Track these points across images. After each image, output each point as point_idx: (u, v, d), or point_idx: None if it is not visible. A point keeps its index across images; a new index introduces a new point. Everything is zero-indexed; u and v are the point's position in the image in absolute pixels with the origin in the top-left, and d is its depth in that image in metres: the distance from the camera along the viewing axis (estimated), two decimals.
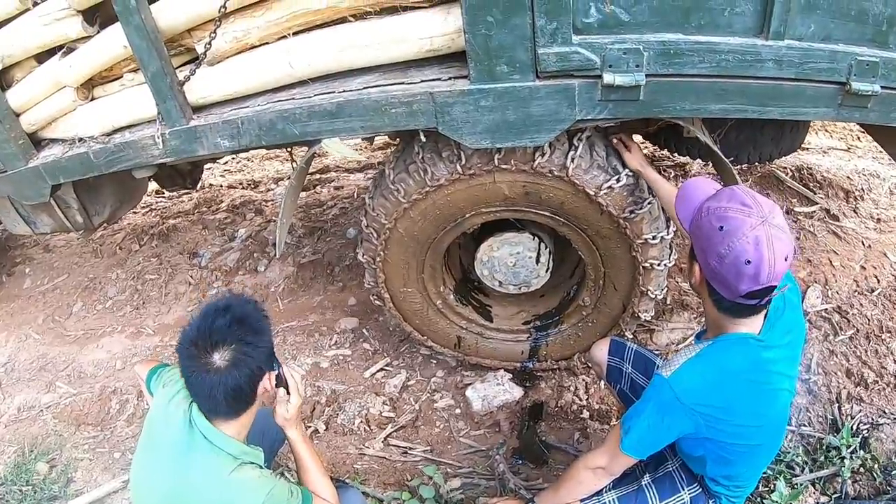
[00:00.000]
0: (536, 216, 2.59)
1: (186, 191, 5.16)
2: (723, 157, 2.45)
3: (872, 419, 2.86)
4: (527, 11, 1.89)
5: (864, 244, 3.78)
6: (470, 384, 3.22)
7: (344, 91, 2.21)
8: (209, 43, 2.24)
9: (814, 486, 2.64)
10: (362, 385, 3.34)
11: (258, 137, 2.34)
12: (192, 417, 1.81)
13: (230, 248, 4.50)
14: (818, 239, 3.82)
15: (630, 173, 2.40)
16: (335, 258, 4.22)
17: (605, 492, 2.02)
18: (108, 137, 2.63)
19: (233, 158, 5.99)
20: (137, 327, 4.02)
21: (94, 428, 3.36)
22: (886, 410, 2.90)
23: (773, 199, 4.02)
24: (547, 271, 2.85)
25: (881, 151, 4.46)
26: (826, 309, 3.38)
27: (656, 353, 2.44)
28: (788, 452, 2.74)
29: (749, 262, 1.54)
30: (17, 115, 2.75)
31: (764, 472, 2.59)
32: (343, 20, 2.18)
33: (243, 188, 5.53)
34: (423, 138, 2.33)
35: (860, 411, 2.90)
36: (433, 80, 2.13)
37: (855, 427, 2.82)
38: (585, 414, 3.03)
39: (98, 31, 2.40)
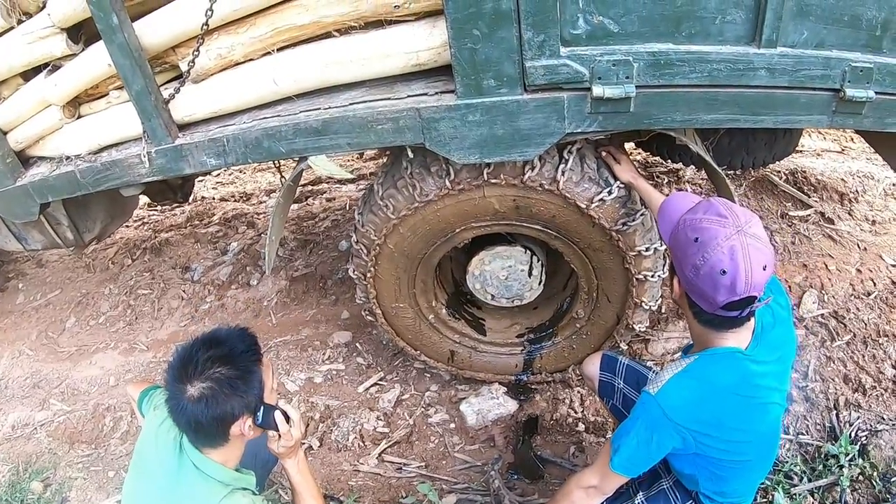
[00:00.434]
0: (528, 230, 2.56)
1: (178, 204, 5.13)
2: (715, 165, 2.43)
3: (871, 426, 2.83)
4: (513, 24, 1.86)
5: (859, 247, 3.76)
6: (464, 398, 3.19)
7: (329, 107, 2.18)
8: (193, 60, 2.22)
9: (812, 496, 2.61)
10: (356, 400, 3.31)
11: (244, 155, 2.31)
12: (181, 444, 1.78)
13: (222, 262, 4.48)
14: (813, 243, 3.81)
15: (621, 185, 2.38)
16: (328, 271, 4.19)
17: None
18: (94, 156, 2.61)
19: (224, 171, 5.96)
20: (130, 343, 3.99)
21: (87, 446, 3.34)
22: (885, 416, 2.87)
23: (767, 205, 4.04)
24: (539, 284, 2.83)
25: (875, 153, 4.45)
26: (822, 314, 3.36)
27: (650, 365, 2.41)
28: (786, 462, 2.71)
29: (724, 272, 1.53)
30: (5, 134, 2.75)
31: (762, 483, 2.56)
32: (328, 35, 2.16)
33: (235, 201, 5.51)
34: (410, 154, 2.30)
35: (858, 418, 2.87)
36: (420, 94, 2.10)
37: (853, 434, 2.79)
38: (581, 427, 3.00)
39: (83, 49, 2.39)
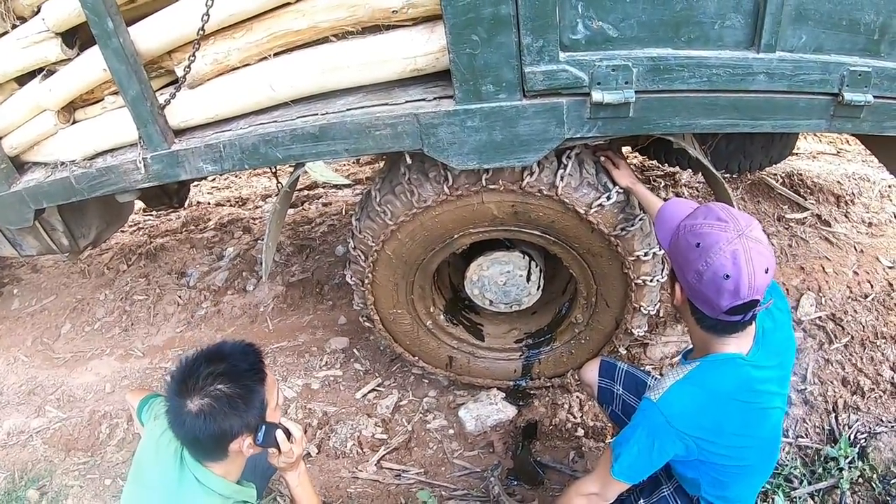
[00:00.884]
0: (526, 235, 2.55)
1: (174, 209, 5.10)
2: (713, 169, 2.42)
3: (870, 428, 2.83)
4: (512, 29, 1.85)
5: (856, 249, 3.76)
6: (462, 404, 3.18)
7: (327, 113, 2.17)
8: (189, 65, 2.20)
9: (813, 499, 2.61)
10: (354, 406, 3.29)
11: (241, 161, 2.30)
12: (182, 456, 1.76)
13: (218, 268, 4.46)
14: (810, 245, 3.81)
15: (620, 190, 2.37)
16: (324, 276, 4.18)
17: None
18: (89, 162, 2.60)
19: (220, 176, 5.93)
20: (126, 349, 3.96)
21: (84, 454, 3.31)
22: (884, 419, 2.87)
23: (764, 208, 4.04)
24: (538, 289, 2.82)
25: (870, 155, 4.45)
26: (820, 317, 3.36)
27: (649, 370, 2.40)
28: (786, 465, 2.71)
29: (728, 276, 1.53)
30: None
31: (762, 487, 2.55)
32: (325, 40, 2.14)
33: (231, 206, 5.49)
34: (408, 160, 2.29)
35: (857, 420, 2.87)
36: (418, 100, 2.09)
37: (852, 437, 2.79)
38: (580, 432, 2.99)
39: (77, 54, 2.37)
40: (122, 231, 5.10)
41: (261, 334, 3.83)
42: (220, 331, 3.95)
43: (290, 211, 4.95)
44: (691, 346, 1.95)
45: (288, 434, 1.84)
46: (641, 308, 2.67)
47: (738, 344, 1.69)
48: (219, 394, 1.65)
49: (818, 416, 2.93)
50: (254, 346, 1.81)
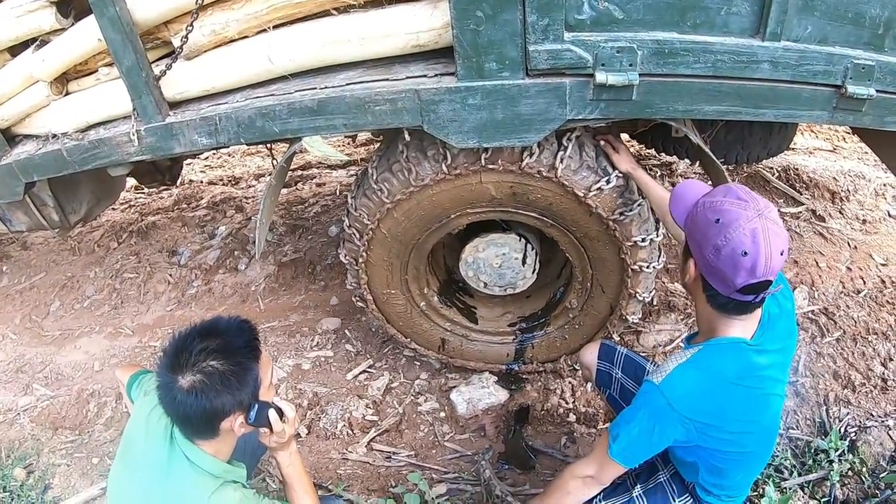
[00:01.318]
0: (524, 217, 2.53)
1: (166, 187, 5.06)
2: (714, 158, 2.41)
3: (860, 422, 2.85)
4: (518, 7, 1.83)
5: (849, 245, 3.78)
6: (454, 387, 3.17)
7: (326, 87, 2.14)
8: (186, 36, 2.16)
9: (803, 490, 2.62)
10: (345, 387, 3.27)
11: (237, 135, 2.27)
12: (173, 433, 1.73)
13: (210, 246, 4.42)
14: (804, 240, 3.82)
15: (620, 175, 2.36)
16: (317, 257, 4.15)
17: (596, 503, 1.97)
18: (82, 134, 2.56)
19: (213, 154, 5.90)
20: (116, 327, 3.93)
21: (71, 432, 3.27)
22: (874, 413, 2.89)
23: None
24: (533, 273, 2.80)
25: (867, 152, 4.47)
26: (813, 310, 3.37)
27: (645, 356, 2.40)
28: (777, 456, 2.71)
29: (746, 253, 1.52)
30: None
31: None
32: (326, 13, 2.11)
33: (224, 184, 5.44)
34: (407, 137, 2.26)
35: (848, 414, 2.88)
36: (419, 76, 2.06)
37: (843, 430, 2.80)
38: (572, 417, 2.99)
39: (72, 24, 2.33)
40: (114, 208, 5.05)
41: (252, 314, 3.80)
42: (210, 310, 3.92)
43: (284, 191, 4.92)
44: (693, 331, 1.94)
45: (281, 414, 1.80)
46: (637, 294, 2.66)
47: (744, 327, 1.68)
48: (212, 370, 1.61)
49: (809, 408, 2.94)
50: (249, 323, 1.77)
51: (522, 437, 2.91)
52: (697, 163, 3.80)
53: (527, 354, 3.11)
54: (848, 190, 4.18)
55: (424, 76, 2.05)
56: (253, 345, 1.72)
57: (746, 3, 1.85)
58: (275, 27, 2.16)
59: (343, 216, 2.75)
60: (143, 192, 5.40)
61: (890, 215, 4.02)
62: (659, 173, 4.41)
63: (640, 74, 1.92)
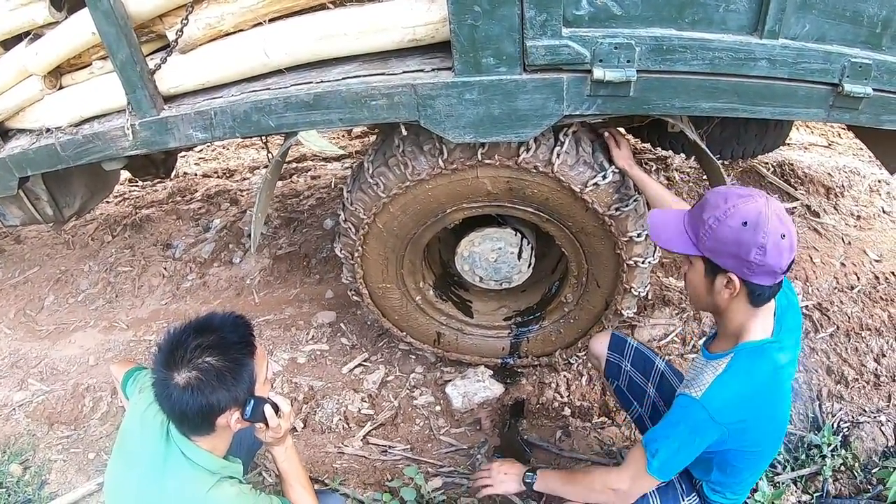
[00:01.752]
0: (519, 212, 2.53)
1: (160, 180, 5.04)
2: (710, 154, 2.41)
3: (853, 417, 2.87)
4: (515, 2, 1.82)
5: (844, 241, 3.79)
6: (450, 380, 3.17)
7: (322, 81, 2.12)
8: (181, 30, 2.15)
9: (795, 485, 2.64)
10: (340, 381, 3.27)
11: (232, 129, 2.25)
12: (169, 429, 1.73)
13: (204, 239, 4.41)
14: (799, 235, 3.82)
15: (616, 170, 2.36)
16: (312, 250, 4.14)
17: None
18: (76, 128, 2.54)
19: (208, 146, 5.87)
20: (110, 321, 3.91)
21: (67, 427, 3.26)
22: (866, 409, 2.91)
23: None
24: (529, 267, 2.81)
25: (862, 148, 4.48)
26: (807, 306, 3.38)
27: (655, 352, 2.41)
28: None
29: (784, 235, 1.57)
30: None
31: None
32: (322, 7, 2.10)
33: (218, 177, 5.42)
34: (403, 131, 2.26)
35: (841, 409, 2.90)
36: (415, 71, 2.05)
37: (836, 425, 2.82)
38: (567, 411, 3.00)
39: (66, 17, 2.31)
40: (107, 201, 5.02)
41: (247, 307, 3.80)
42: (205, 303, 3.92)
43: (279, 183, 4.90)
44: (706, 337, 1.96)
45: (276, 409, 1.80)
46: (632, 289, 2.67)
47: (764, 323, 1.71)
48: (207, 367, 1.61)
49: (802, 403, 2.96)
50: (244, 318, 1.76)
51: (518, 430, 2.92)
52: (693, 157, 3.81)
53: (522, 348, 3.11)
54: (842, 186, 4.19)
55: (421, 71, 2.04)
56: (248, 340, 1.71)
57: (744, 0, 1.85)
58: (270, 20, 2.14)
59: (338, 210, 2.74)
60: (137, 185, 5.37)
61: (884, 211, 4.04)
62: (654, 167, 4.41)
63: (637, 71, 1.91)
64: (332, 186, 4.83)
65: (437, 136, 2.18)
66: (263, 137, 2.89)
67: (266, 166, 5.33)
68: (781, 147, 4.02)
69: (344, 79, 2.10)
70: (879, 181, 4.26)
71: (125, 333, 3.81)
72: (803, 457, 2.72)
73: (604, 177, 2.33)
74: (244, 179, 5.31)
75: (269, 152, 3.01)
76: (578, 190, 2.34)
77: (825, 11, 1.87)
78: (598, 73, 1.90)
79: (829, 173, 4.28)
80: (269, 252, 4.17)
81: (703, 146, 2.40)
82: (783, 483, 2.61)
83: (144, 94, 2.27)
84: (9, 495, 2.92)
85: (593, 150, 2.38)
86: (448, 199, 2.48)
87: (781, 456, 2.71)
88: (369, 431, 3.02)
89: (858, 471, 2.66)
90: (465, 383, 3.11)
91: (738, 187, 1.64)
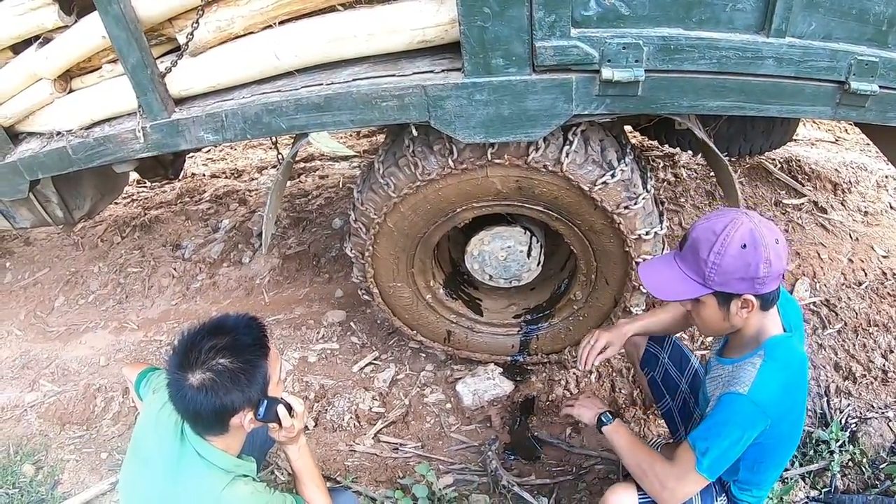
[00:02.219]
0: (529, 211, 2.55)
1: (168, 181, 5.06)
2: (717, 151, 2.42)
3: (861, 413, 2.87)
4: (524, 3, 1.84)
5: (851, 237, 3.79)
6: (460, 378, 3.19)
7: (332, 83, 2.14)
8: (191, 33, 2.17)
9: (804, 480, 2.65)
10: (351, 380, 3.30)
11: (243, 131, 2.27)
12: (183, 430, 1.75)
13: (214, 240, 4.43)
14: (806, 231, 3.83)
15: (625, 168, 2.37)
16: (321, 249, 4.16)
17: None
18: (86, 131, 2.55)
19: (216, 147, 5.88)
20: (121, 322, 3.94)
21: (79, 427, 3.29)
22: (874, 405, 2.92)
23: (761, 192, 4.07)
24: (538, 265, 2.82)
25: (868, 144, 4.47)
26: (815, 302, 3.39)
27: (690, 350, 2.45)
28: None
29: (777, 241, 1.64)
30: None
31: None
32: (332, 9, 2.12)
33: (227, 178, 5.44)
34: (414, 132, 2.27)
35: (848, 405, 2.91)
36: (425, 72, 2.07)
37: (843, 421, 2.83)
38: None
39: (75, 21, 2.32)
40: (116, 203, 5.04)
41: (257, 307, 3.82)
42: (215, 303, 3.94)
43: (287, 183, 4.92)
44: (717, 345, 2.01)
45: (289, 408, 1.82)
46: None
47: (775, 320, 1.78)
48: (221, 368, 1.62)
49: (811, 399, 2.96)
50: (258, 320, 1.78)
51: (528, 427, 2.94)
52: (700, 154, 3.82)
53: (532, 346, 3.13)
54: (850, 181, 4.19)
55: (431, 72, 2.06)
56: (261, 342, 1.73)
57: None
58: (280, 23, 2.16)
59: (348, 210, 2.76)
60: (146, 186, 5.40)
61: (892, 207, 4.04)
62: (661, 164, 4.41)
63: (645, 70, 1.93)
64: (341, 186, 4.85)
65: (447, 137, 2.19)
66: (273, 137, 2.91)
67: (274, 166, 5.37)
68: (788, 143, 4.03)
69: (354, 80, 2.12)
70: (887, 177, 4.26)
71: (136, 334, 3.83)
72: (811, 452, 2.72)
73: (612, 175, 2.34)
74: (252, 180, 5.33)
75: (278, 152, 3.03)
76: (587, 189, 2.35)
77: (831, 10, 1.89)
78: (607, 73, 1.92)
79: (836, 169, 4.27)
80: (278, 252, 4.19)
81: (711, 144, 2.41)
82: (791, 479, 2.62)
83: (155, 97, 2.29)
84: (22, 495, 2.94)
85: (602, 149, 2.39)
86: (458, 199, 2.49)
87: None
88: (380, 429, 3.04)
89: (866, 466, 2.67)
90: (476, 381, 3.13)
91: (715, 214, 1.70)
